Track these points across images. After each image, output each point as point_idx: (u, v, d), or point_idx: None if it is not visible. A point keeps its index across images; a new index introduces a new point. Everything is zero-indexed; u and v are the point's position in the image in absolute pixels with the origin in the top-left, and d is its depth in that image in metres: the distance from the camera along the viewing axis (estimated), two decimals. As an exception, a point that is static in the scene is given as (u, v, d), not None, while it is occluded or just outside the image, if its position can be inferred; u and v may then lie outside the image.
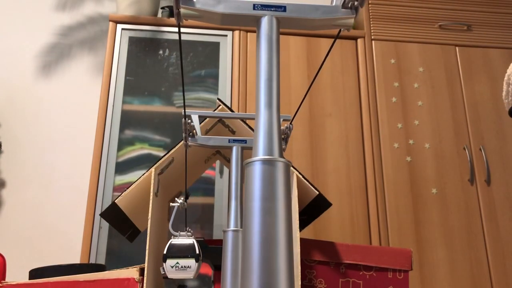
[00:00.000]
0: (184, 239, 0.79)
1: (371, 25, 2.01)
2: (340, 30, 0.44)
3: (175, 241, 0.79)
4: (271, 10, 0.40)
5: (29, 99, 2.10)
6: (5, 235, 1.91)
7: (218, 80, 1.86)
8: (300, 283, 0.85)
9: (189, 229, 0.97)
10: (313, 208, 1.02)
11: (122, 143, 1.75)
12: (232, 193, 0.72)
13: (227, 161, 1.15)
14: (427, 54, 2.00)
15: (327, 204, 1.01)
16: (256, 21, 0.40)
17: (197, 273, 0.76)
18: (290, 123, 0.74)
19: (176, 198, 0.84)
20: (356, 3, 0.40)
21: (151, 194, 0.88)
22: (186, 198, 0.85)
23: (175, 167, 1.01)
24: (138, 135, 1.77)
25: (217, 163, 1.76)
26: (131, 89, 1.82)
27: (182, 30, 1.90)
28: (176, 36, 1.91)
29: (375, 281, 0.98)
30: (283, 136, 0.79)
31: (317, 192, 0.99)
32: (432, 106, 1.92)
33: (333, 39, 1.98)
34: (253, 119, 0.78)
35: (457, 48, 2.03)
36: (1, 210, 1.94)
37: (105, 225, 1.61)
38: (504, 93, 1.01)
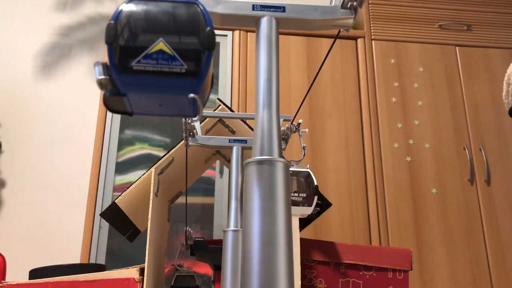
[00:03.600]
0: (186, 273, 0.99)
1: (371, 25, 2.01)
2: (339, 31, 0.44)
3: (179, 274, 0.98)
4: (270, 11, 0.40)
5: (29, 99, 2.10)
6: (5, 235, 1.91)
7: (218, 80, 1.86)
8: (300, 283, 0.86)
9: (190, 229, 0.97)
10: (313, 208, 1.02)
11: (122, 143, 1.75)
12: (232, 193, 0.72)
13: (227, 161, 1.15)
14: (427, 54, 2.00)
15: (327, 204, 1.01)
16: (255, 21, 0.40)
17: None
18: (291, 124, 0.74)
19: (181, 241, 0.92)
20: (355, 3, 0.40)
21: (151, 194, 0.89)
22: (188, 247, 1.01)
23: (175, 167, 1.01)
24: (138, 135, 1.77)
25: (217, 163, 1.76)
26: (131, 89, 1.82)
27: (182, 30, 1.90)
28: (176, 36, 1.91)
29: (375, 281, 0.98)
30: (283, 136, 0.80)
31: (317, 192, 0.99)
32: (432, 106, 1.92)
33: (333, 39, 1.98)
34: (253, 119, 0.79)
35: (457, 48, 2.03)
36: (1, 210, 1.94)
37: (105, 225, 1.61)
38: (504, 93, 1.01)
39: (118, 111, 0.33)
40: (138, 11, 0.31)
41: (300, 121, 0.77)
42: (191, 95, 0.31)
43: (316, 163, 1.79)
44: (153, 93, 0.31)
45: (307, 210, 0.81)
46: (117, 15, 0.31)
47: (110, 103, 0.32)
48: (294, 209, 0.80)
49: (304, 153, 0.81)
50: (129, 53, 0.30)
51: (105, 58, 1.84)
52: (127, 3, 0.32)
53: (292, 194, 0.79)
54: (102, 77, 0.30)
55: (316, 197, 0.80)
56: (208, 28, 0.32)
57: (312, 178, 0.80)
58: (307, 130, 0.81)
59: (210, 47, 0.32)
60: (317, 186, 0.81)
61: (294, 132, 0.77)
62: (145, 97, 0.32)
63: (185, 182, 0.93)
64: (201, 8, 0.32)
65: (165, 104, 0.33)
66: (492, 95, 1.97)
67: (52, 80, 2.15)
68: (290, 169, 0.80)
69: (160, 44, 0.31)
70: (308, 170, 0.81)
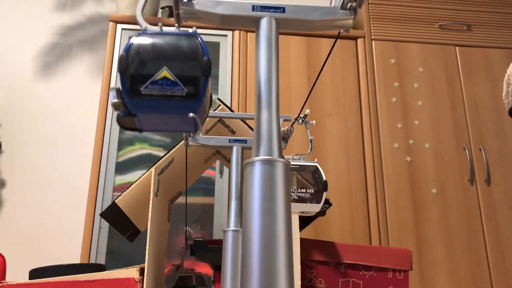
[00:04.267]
0: (186, 274, 1.04)
1: (371, 25, 2.01)
2: (339, 32, 0.44)
3: (180, 274, 1.02)
4: (270, 11, 0.40)
5: (29, 99, 2.10)
6: (5, 235, 1.91)
7: (218, 80, 1.86)
8: (300, 283, 0.86)
9: (190, 229, 0.97)
10: (313, 208, 1.02)
11: (122, 143, 1.75)
12: (232, 193, 0.72)
13: (227, 161, 1.15)
14: (427, 54, 2.00)
15: (327, 204, 1.01)
16: (255, 22, 0.40)
17: None
18: (291, 126, 0.74)
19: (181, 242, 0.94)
20: (354, 4, 0.40)
21: (151, 194, 0.89)
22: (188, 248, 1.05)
23: (175, 167, 1.01)
24: (138, 135, 1.78)
25: (217, 163, 1.76)
26: (131, 89, 1.82)
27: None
28: (176, 36, 1.91)
29: (375, 281, 0.98)
30: (283, 136, 0.80)
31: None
32: (432, 106, 1.93)
33: (333, 39, 1.98)
34: (253, 119, 0.79)
35: (457, 48, 2.03)
36: (1, 210, 1.94)
37: (105, 225, 1.62)
38: (504, 93, 1.01)
39: (130, 128, 0.40)
40: (146, 43, 0.37)
41: (307, 111, 0.75)
42: (191, 114, 0.37)
43: (316, 163, 1.79)
44: (159, 113, 0.38)
45: (316, 207, 0.75)
46: (128, 47, 0.37)
47: (123, 122, 0.39)
48: (302, 206, 0.75)
49: (312, 146, 0.78)
50: (138, 80, 0.37)
51: (105, 62, 1.84)
52: (136, 36, 0.38)
53: (299, 190, 0.75)
54: (116, 100, 0.37)
55: (325, 193, 0.75)
56: (205, 58, 0.38)
57: (320, 172, 0.76)
58: (314, 122, 0.77)
59: (207, 73, 0.37)
60: (326, 181, 0.76)
61: (301, 124, 0.75)
62: (152, 116, 0.38)
63: (185, 182, 0.93)
64: (199, 40, 0.38)
65: (170, 122, 0.39)
66: (492, 95, 1.97)
67: (52, 80, 2.15)
68: (297, 163, 0.76)
69: (164, 72, 0.37)
70: (316, 164, 0.77)
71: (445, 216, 1.78)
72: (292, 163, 0.75)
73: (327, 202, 0.77)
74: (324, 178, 0.75)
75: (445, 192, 1.81)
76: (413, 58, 1.99)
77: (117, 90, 0.37)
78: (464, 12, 2.09)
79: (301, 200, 0.75)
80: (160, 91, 0.37)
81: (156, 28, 0.38)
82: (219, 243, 0.98)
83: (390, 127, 1.87)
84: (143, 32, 0.38)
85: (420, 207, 1.78)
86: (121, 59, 0.37)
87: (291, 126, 0.74)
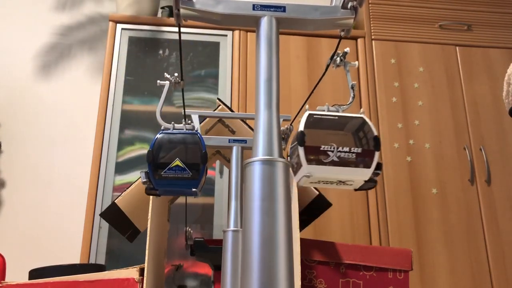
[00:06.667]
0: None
1: (371, 25, 2.01)
2: (340, 36, 0.44)
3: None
4: (270, 11, 0.40)
5: (29, 99, 2.10)
6: (5, 235, 1.91)
7: (218, 80, 1.86)
8: (300, 283, 0.85)
9: (190, 229, 0.97)
10: (313, 208, 1.02)
11: (122, 143, 1.75)
12: (232, 193, 0.72)
13: (227, 161, 1.14)
14: (427, 54, 2.00)
15: (327, 204, 1.01)
16: (256, 21, 0.40)
17: None
18: (291, 125, 0.74)
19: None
20: (355, 3, 0.40)
21: (151, 194, 0.88)
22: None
23: (175, 167, 1.01)
24: (138, 135, 1.77)
25: (217, 163, 1.76)
26: (131, 89, 1.82)
27: (182, 30, 1.90)
28: (176, 36, 1.91)
29: (375, 281, 0.98)
30: (283, 136, 0.79)
31: (317, 192, 0.99)
32: (432, 106, 1.92)
33: (333, 39, 1.98)
34: (253, 119, 0.78)
35: (457, 48, 2.03)
36: (1, 210, 1.94)
37: (105, 225, 1.61)
38: (504, 93, 1.01)
39: (153, 194, 0.60)
40: (165, 141, 0.58)
41: (347, 49, 0.62)
42: (194, 189, 0.58)
43: (316, 163, 1.79)
44: (173, 188, 0.58)
45: (364, 174, 0.54)
46: (153, 143, 0.58)
47: (149, 193, 0.60)
48: (343, 171, 0.54)
49: (354, 94, 0.60)
50: (159, 167, 0.57)
51: (105, 62, 1.84)
52: (159, 134, 0.58)
53: (340, 149, 0.54)
54: (145, 180, 0.58)
55: (377, 154, 0.54)
56: (204, 151, 0.58)
57: (369, 126, 0.56)
58: (356, 63, 0.63)
59: (205, 162, 0.57)
60: (377, 137, 0.55)
61: (338, 66, 0.62)
62: (168, 189, 0.59)
63: (185, 182, 0.93)
64: (199, 136, 0.59)
65: (179, 191, 0.60)
66: (492, 95, 1.97)
67: (52, 80, 2.15)
68: (337, 114, 0.57)
69: (177, 162, 0.56)
70: (363, 116, 0.57)
71: (445, 216, 1.78)
72: (329, 113, 0.56)
73: (378, 167, 0.55)
74: (375, 133, 0.55)
75: (445, 192, 1.81)
76: (413, 58, 1.99)
77: (146, 173, 0.57)
78: (464, 12, 2.09)
79: (342, 163, 0.53)
80: (174, 174, 0.56)
81: (170, 126, 0.61)
82: (219, 243, 0.98)
83: (390, 127, 1.87)
84: (162, 131, 0.59)
85: (420, 207, 1.78)
86: (148, 153, 0.57)
87: (291, 124, 0.73)
